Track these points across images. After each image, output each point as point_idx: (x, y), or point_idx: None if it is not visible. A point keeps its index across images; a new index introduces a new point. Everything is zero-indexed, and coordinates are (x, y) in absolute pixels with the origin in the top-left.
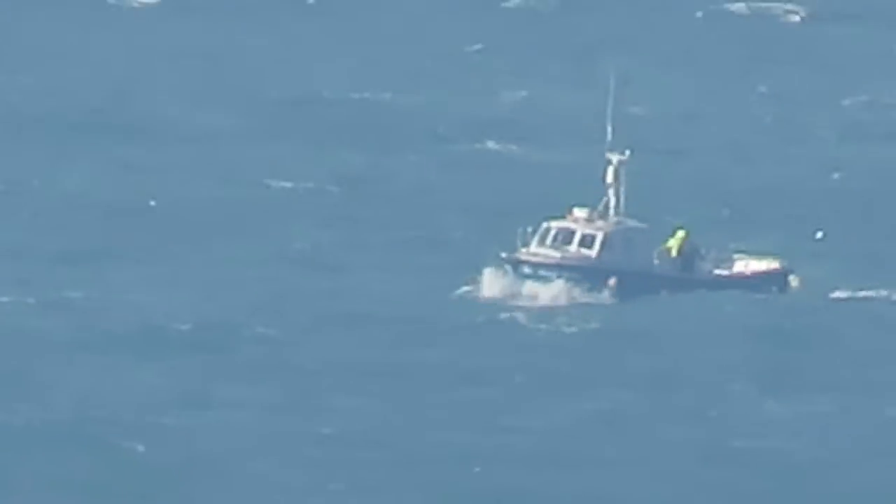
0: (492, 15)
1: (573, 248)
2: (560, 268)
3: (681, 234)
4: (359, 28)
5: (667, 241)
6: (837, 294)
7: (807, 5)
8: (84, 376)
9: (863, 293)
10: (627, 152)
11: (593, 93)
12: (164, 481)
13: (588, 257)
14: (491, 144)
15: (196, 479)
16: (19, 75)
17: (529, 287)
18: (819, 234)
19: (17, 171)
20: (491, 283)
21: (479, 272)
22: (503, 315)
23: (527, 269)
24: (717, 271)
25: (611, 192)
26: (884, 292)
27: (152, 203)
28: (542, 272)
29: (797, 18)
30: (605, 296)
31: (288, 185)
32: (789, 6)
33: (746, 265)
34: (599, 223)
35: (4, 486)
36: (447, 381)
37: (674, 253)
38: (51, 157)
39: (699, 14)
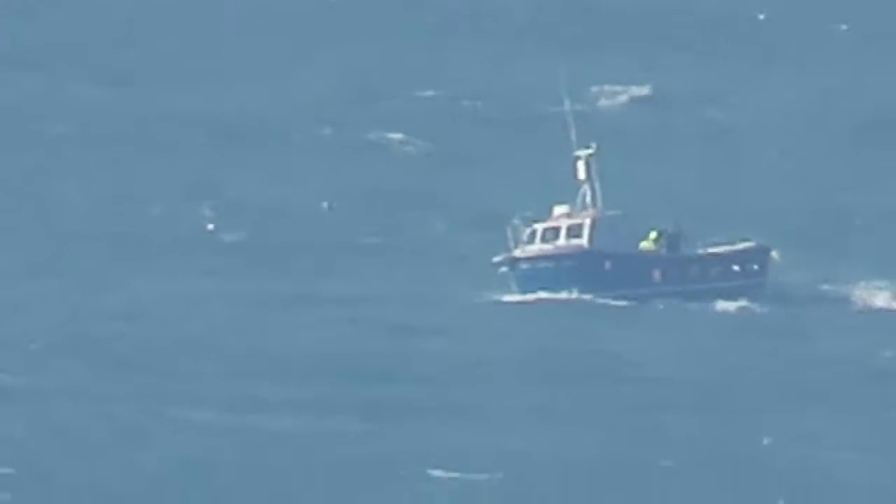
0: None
1: (563, 240)
2: (556, 258)
3: (653, 235)
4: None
5: (640, 243)
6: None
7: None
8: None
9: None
10: (593, 145)
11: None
12: None
13: (581, 245)
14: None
15: None
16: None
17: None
18: None
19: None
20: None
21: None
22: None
23: (524, 266)
24: (702, 250)
25: (585, 186)
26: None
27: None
28: (539, 265)
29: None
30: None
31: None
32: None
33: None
34: (583, 213)
35: None
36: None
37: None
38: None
39: None
